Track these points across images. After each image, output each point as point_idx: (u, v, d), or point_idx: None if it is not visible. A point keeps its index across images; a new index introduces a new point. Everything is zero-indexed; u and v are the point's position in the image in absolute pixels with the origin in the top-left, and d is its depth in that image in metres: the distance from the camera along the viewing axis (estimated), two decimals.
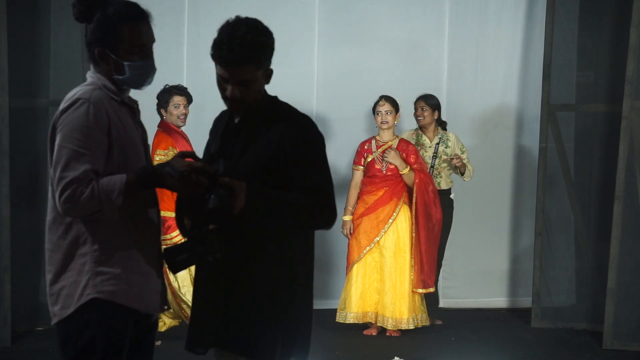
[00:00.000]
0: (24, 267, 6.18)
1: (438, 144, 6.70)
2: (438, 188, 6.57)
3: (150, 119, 6.52)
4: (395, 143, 6.51)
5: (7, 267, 5.99)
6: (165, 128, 6.00)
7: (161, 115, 6.06)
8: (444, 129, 6.84)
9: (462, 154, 6.70)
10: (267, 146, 2.94)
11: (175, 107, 5.99)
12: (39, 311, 6.21)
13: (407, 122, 7.02)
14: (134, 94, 2.98)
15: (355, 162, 6.60)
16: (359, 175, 6.58)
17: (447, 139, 6.73)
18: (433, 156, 6.67)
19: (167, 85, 6.04)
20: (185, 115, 6.03)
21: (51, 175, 2.78)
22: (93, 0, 2.81)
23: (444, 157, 6.66)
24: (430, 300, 6.66)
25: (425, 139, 6.73)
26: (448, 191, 6.76)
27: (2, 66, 5.95)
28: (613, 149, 6.32)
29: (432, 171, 6.64)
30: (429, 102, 6.68)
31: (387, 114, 6.46)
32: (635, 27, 6.08)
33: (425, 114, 6.67)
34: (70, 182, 2.69)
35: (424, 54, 7.43)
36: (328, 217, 2.98)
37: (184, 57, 7.21)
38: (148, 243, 2.90)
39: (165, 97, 6.01)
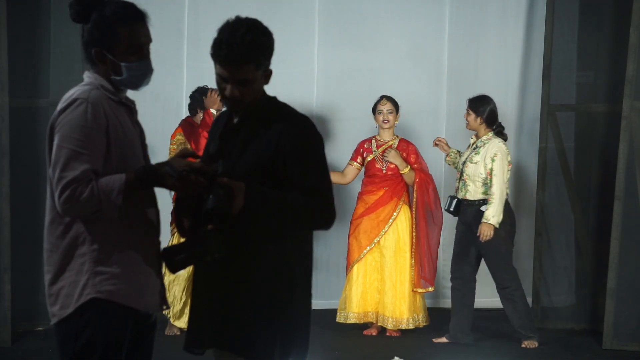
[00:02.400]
0: (24, 267, 6.17)
1: (474, 148, 6.13)
2: (463, 197, 6.07)
3: (149, 119, 6.56)
4: (395, 143, 6.51)
5: (7, 267, 5.99)
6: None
7: (194, 113, 6.44)
8: (501, 137, 6.12)
9: (487, 163, 5.97)
10: (266, 146, 2.94)
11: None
12: (39, 311, 6.20)
13: (406, 122, 7.01)
14: (132, 94, 2.98)
15: (351, 158, 6.61)
16: (350, 170, 6.59)
17: (484, 143, 6.08)
18: (463, 162, 6.16)
19: (205, 85, 6.34)
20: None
21: (50, 175, 2.78)
22: (90, 1, 2.82)
23: (469, 164, 6.09)
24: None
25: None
26: (477, 203, 6.02)
27: (2, 66, 5.95)
28: (613, 149, 6.32)
29: (461, 177, 6.13)
30: (471, 105, 6.18)
31: (388, 113, 6.46)
32: (635, 27, 6.08)
33: (469, 118, 6.18)
34: (70, 182, 2.69)
35: (424, 54, 7.42)
36: (327, 217, 2.98)
37: (184, 57, 7.21)
38: (147, 242, 2.90)
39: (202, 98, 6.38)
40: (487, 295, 7.39)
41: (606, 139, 6.66)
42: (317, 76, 7.37)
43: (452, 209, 6.15)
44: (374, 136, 6.59)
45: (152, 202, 2.95)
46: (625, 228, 6.17)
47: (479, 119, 6.14)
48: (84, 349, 2.79)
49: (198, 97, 6.38)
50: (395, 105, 6.50)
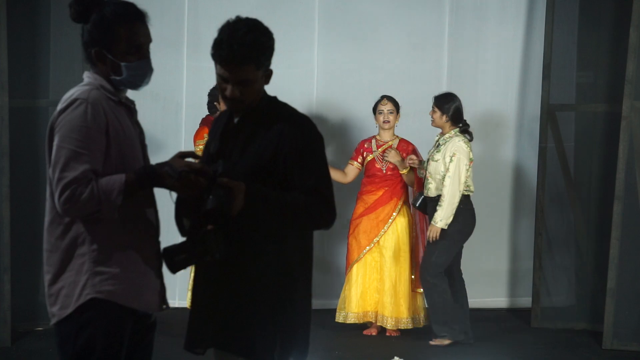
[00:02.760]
0: (24, 267, 6.17)
1: (437, 146, 6.17)
2: (426, 194, 6.08)
3: (149, 119, 6.56)
4: (395, 143, 6.51)
5: (7, 267, 5.98)
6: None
7: (214, 111, 6.35)
8: (466, 135, 6.11)
9: (447, 162, 5.96)
10: (266, 146, 2.94)
11: None
12: (39, 311, 6.20)
13: (406, 122, 7.00)
14: (132, 93, 2.98)
15: (352, 158, 6.61)
16: (350, 169, 6.59)
17: (445, 141, 6.07)
18: (427, 160, 6.20)
19: None
20: None
21: (50, 175, 2.78)
22: (90, 1, 2.82)
23: (431, 161, 6.07)
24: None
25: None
26: (436, 199, 6.00)
27: (2, 66, 5.95)
28: (613, 149, 6.32)
29: (425, 175, 6.17)
30: (437, 102, 6.17)
31: (389, 113, 6.46)
32: (635, 27, 6.08)
33: (435, 115, 6.17)
34: (70, 183, 2.69)
35: (424, 54, 7.42)
36: (327, 217, 2.98)
37: (184, 57, 7.21)
38: (147, 243, 2.90)
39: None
40: (487, 295, 7.41)
41: (606, 139, 6.66)
42: (317, 76, 7.37)
43: (417, 204, 6.17)
44: (374, 136, 6.59)
45: (151, 202, 2.96)
46: (625, 228, 6.17)
47: (444, 117, 6.12)
48: (83, 349, 2.79)
49: (217, 95, 6.36)
50: (396, 105, 6.50)
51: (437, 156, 6.07)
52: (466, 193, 6.05)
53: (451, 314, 6.08)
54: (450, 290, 6.14)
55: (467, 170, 6.00)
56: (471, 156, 6.06)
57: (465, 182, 6.00)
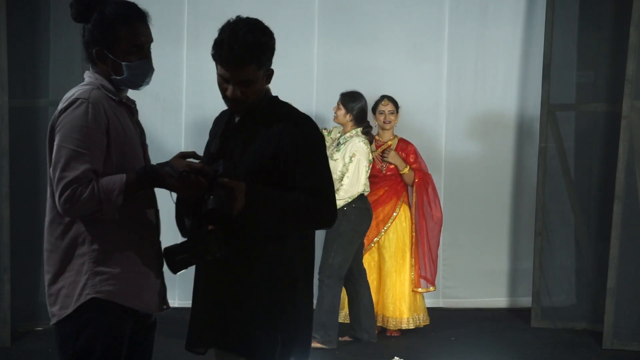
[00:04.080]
0: (23, 267, 6.17)
1: (337, 145, 6.10)
2: None
3: (149, 119, 6.55)
4: (394, 143, 6.50)
5: (7, 267, 5.98)
6: None
7: None
8: (366, 137, 6.04)
9: (346, 162, 5.90)
10: (267, 146, 2.94)
11: None
12: (39, 311, 6.20)
13: (406, 122, 7.00)
14: (132, 94, 2.98)
15: None
16: None
17: (345, 140, 6.01)
18: None
19: None
20: None
21: (50, 175, 2.78)
22: (91, 0, 2.82)
23: (331, 160, 5.89)
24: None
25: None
26: None
27: (2, 66, 5.94)
28: (613, 149, 6.32)
29: None
30: (343, 100, 6.12)
31: (390, 114, 6.46)
32: (635, 27, 6.08)
33: (339, 112, 6.11)
34: (70, 182, 2.70)
35: (424, 54, 7.42)
36: (328, 216, 2.98)
37: (184, 57, 7.21)
38: (147, 243, 2.91)
39: None
40: (487, 295, 7.41)
41: (606, 139, 6.66)
42: (317, 76, 7.37)
43: None
44: (373, 136, 6.58)
45: (152, 202, 2.96)
46: (625, 228, 6.17)
47: (348, 115, 6.06)
48: (83, 349, 2.80)
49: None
50: (396, 105, 6.50)
51: (337, 155, 6.00)
52: (360, 191, 5.99)
53: (332, 321, 6.01)
54: (354, 290, 6.09)
55: (367, 171, 5.96)
56: (370, 157, 6.01)
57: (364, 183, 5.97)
